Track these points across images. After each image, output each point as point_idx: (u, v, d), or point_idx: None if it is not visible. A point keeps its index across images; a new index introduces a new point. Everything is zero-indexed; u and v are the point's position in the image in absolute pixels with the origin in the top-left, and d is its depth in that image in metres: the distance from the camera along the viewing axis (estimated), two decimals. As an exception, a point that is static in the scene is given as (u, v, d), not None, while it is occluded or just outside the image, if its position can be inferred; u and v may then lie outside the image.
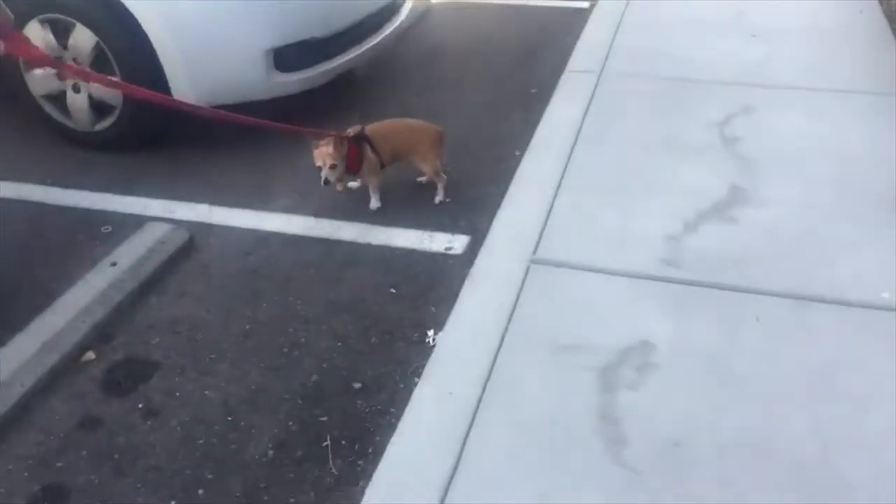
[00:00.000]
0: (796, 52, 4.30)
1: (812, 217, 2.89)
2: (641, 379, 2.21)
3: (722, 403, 2.13)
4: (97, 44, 3.49)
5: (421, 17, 5.52)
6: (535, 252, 2.75)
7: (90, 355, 2.54)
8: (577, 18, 5.18)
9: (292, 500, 2.06)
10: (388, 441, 2.10)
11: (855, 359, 2.27)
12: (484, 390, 2.18)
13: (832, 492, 1.89)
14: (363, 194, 3.33)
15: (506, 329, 2.40)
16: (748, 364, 2.27)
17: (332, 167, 3.05)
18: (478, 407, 2.13)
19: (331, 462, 2.17)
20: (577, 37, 4.77)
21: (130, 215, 3.24)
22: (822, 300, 2.49)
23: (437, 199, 3.33)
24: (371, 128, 3.23)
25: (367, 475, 2.03)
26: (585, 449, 2.01)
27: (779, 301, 2.50)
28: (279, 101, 3.69)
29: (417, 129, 3.31)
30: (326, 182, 3.07)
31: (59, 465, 2.17)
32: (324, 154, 3.04)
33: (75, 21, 3.49)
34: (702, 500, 1.88)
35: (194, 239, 3.09)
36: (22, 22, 3.52)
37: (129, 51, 3.47)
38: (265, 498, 2.07)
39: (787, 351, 2.31)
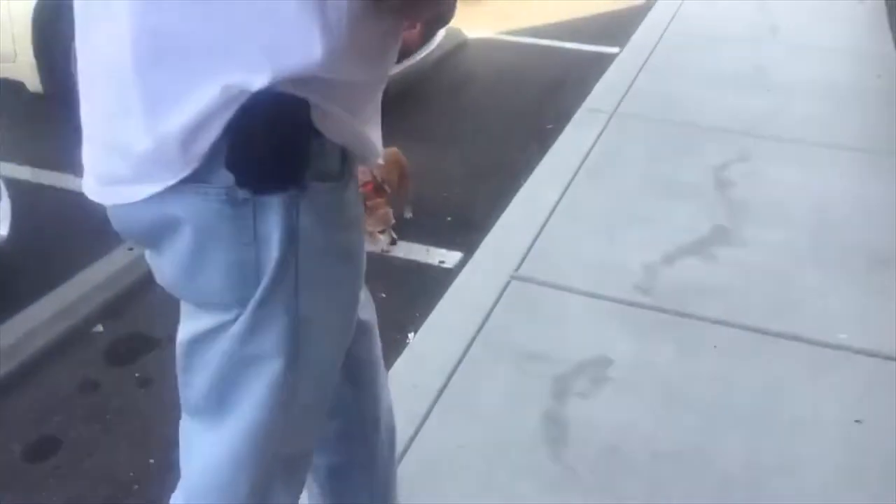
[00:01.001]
0: (805, 107, 4.44)
1: (787, 261, 3.03)
2: (594, 389, 2.37)
3: (664, 417, 2.28)
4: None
5: (456, 49, 5.77)
6: (517, 269, 2.93)
7: (98, 328, 2.77)
8: (605, 62, 5.36)
9: (258, 468, 2.25)
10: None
11: (800, 391, 2.40)
12: (446, 386, 2.36)
13: (752, 506, 2.02)
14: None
15: (476, 334, 2.58)
16: (697, 386, 2.41)
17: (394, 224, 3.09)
18: (437, 399, 2.31)
19: (299, 439, 2.35)
20: (600, 78, 4.96)
21: (155, 208, 3.48)
22: (781, 335, 2.62)
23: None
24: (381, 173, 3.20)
25: (330, 453, 2.22)
26: (529, 446, 2.17)
27: (739, 333, 2.64)
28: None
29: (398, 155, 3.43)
30: (394, 242, 3.09)
31: (56, 419, 2.39)
32: (385, 218, 3.04)
33: None
34: (629, 500, 2.03)
35: (209, 233, 3.32)
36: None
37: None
38: (235, 464, 2.26)
39: (736, 378, 2.45)
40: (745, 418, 2.29)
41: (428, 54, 4.62)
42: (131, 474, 2.22)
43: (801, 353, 2.56)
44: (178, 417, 2.40)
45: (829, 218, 3.33)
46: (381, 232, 3.04)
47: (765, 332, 2.64)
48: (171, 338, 2.73)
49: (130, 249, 3.08)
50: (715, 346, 2.57)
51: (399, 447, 2.13)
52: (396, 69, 4.37)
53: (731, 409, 2.33)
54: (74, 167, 3.81)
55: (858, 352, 2.55)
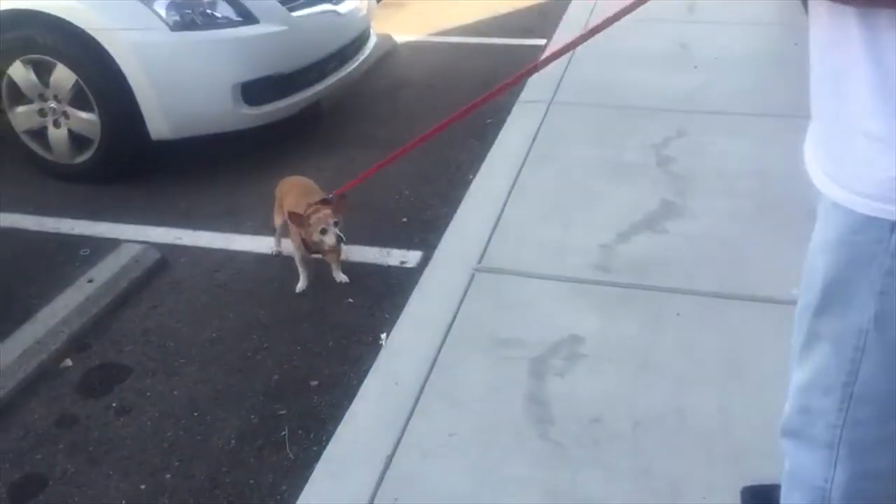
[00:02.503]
0: (732, 80, 4.62)
1: (733, 226, 3.16)
2: (569, 367, 2.45)
3: (640, 386, 2.37)
4: (76, 81, 3.74)
5: (387, 55, 5.82)
6: (480, 261, 2.99)
7: (67, 362, 2.75)
8: (533, 54, 5.47)
9: (252, 481, 2.27)
10: (340, 428, 2.33)
11: (761, 346, 2.51)
12: (427, 379, 2.41)
13: (733, 458, 2.12)
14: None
15: (449, 328, 2.64)
16: (666, 353, 2.51)
17: (337, 223, 2.89)
18: (420, 393, 2.36)
19: (288, 448, 2.38)
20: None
21: (107, 239, 3.45)
22: (737, 297, 2.74)
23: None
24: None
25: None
26: (515, 427, 2.23)
27: (698, 299, 2.75)
28: (248, 131, 3.95)
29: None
30: (340, 239, 2.88)
31: (38, 457, 2.37)
32: (323, 218, 2.87)
33: (56, 61, 3.75)
34: (617, 467, 2.10)
35: (166, 258, 3.32)
36: (6, 63, 3.79)
37: (106, 87, 3.72)
38: (227, 480, 2.27)
39: (702, 341, 2.55)
40: (715, 378, 2.39)
41: (360, 63, 4.65)
42: (124, 502, 2.21)
43: (758, 311, 2.68)
44: (164, 443, 2.42)
45: (767, 182, 3.48)
46: (323, 233, 2.87)
47: (722, 296, 2.75)
48: (143, 364, 2.75)
49: (90, 282, 3.06)
50: (678, 314, 2.67)
51: (390, 442, 2.19)
52: (326, 83, 4.43)
53: (702, 370, 2.43)
54: (26, 205, 3.71)
55: (811, 304, 2.67)
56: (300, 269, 3.15)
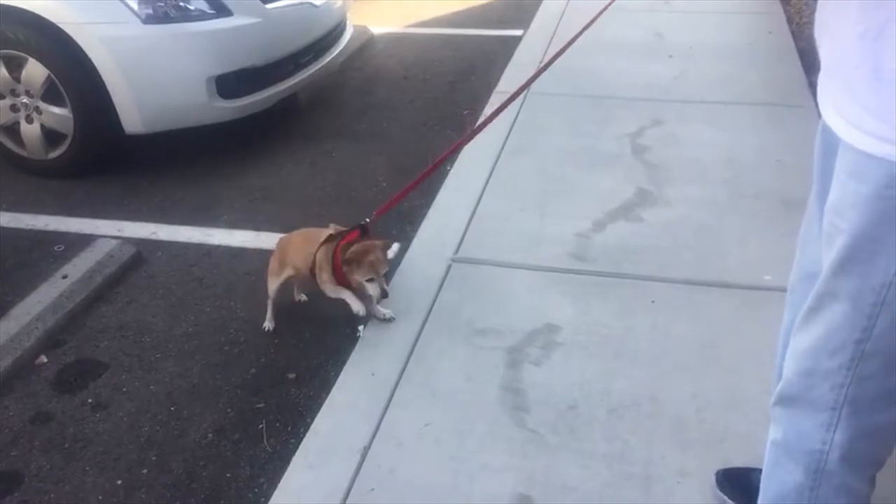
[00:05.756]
0: (707, 69, 4.65)
1: (708, 214, 3.18)
2: (545, 355, 2.46)
3: (615, 372, 2.39)
4: (48, 76, 3.70)
5: (363, 46, 5.81)
6: (456, 252, 3.00)
7: (42, 359, 2.73)
8: (511, 44, 5.49)
9: (229, 474, 2.27)
10: (317, 419, 2.33)
11: (735, 332, 2.54)
12: (403, 370, 2.42)
13: (707, 443, 2.14)
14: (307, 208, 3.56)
15: (426, 318, 2.65)
16: (641, 340, 2.53)
17: (386, 274, 2.59)
18: (397, 384, 2.37)
19: (265, 441, 2.38)
20: (508, 61, 5.07)
21: (81, 235, 3.43)
22: (712, 284, 2.77)
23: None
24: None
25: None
26: (491, 415, 2.25)
27: (673, 286, 2.77)
28: (224, 125, 3.93)
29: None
30: (385, 295, 2.55)
31: (13, 454, 2.36)
32: (375, 265, 2.51)
33: (27, 56, 3.70)
34: (592, 453, 2.12)
35: (142, 253, 3.30)
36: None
37: (78, 82, 3.69)
38: (204, 474, 2.27)
39: (676, 328, 2.57)
40: (689, 364, 2.42)
41: (336, 55, 4.64)
42: (100, 498, 2.21)
43: (732, 298, 2.70)
44: (140, 438, 2.41)
45: (740, 170, 3.51)
46: (370, 281, 2.54)
47: (696, 283, 2.78)
48: (119, 360, 2.74)
49: (64, 278, 3.04)
50: (653, 301, 2.69)
51: (368, 433, 2.20)
52: (302, 75, 4.40)
53: (676, 357, 2.45)
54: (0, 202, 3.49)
55: (784, 291, 2.69)
56: (345, 295, 2.64)
